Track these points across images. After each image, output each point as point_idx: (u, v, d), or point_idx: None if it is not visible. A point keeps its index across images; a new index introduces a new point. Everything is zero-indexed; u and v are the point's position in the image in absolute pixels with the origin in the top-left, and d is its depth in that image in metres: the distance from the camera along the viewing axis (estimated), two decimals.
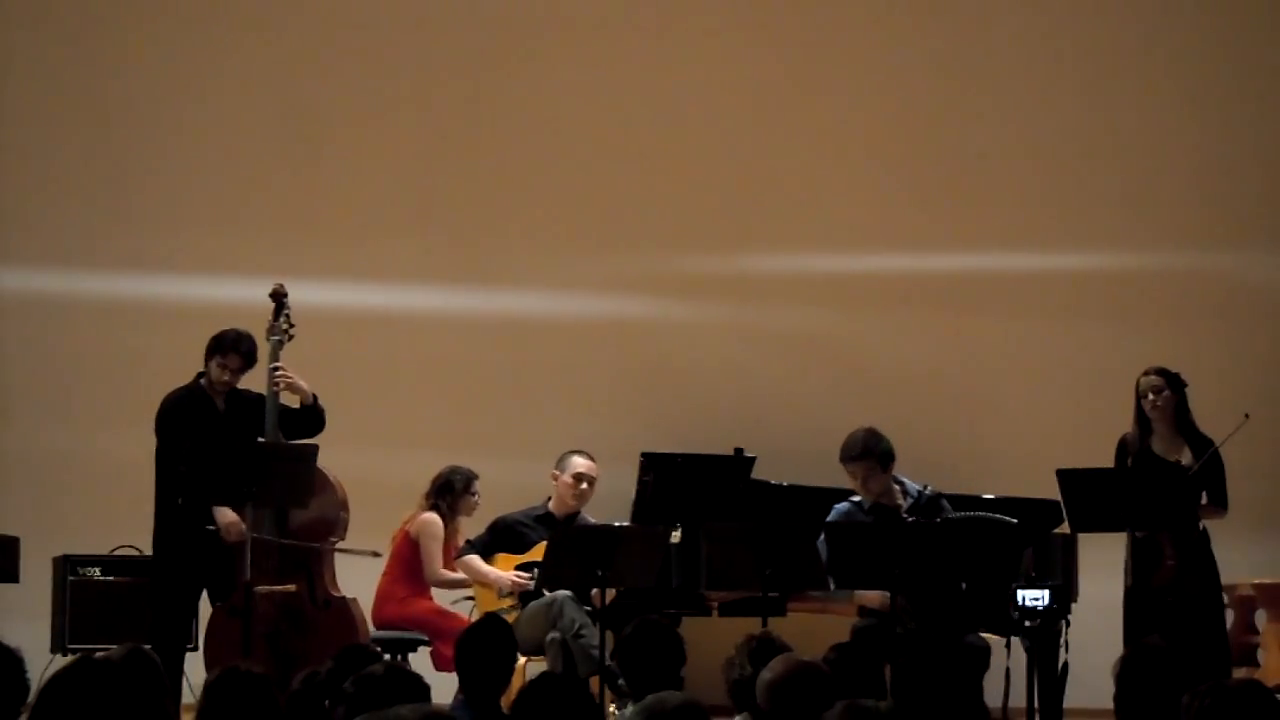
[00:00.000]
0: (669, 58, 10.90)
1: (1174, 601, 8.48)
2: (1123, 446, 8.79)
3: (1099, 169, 10.76)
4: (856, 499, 8.65)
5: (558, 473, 9.20)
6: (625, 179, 10.87)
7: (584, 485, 9.15)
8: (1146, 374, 8.81)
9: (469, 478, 9.42)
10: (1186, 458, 8.69)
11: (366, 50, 10.92)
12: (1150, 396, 8.76)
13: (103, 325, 10.74)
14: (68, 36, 10.94)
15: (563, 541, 8.28)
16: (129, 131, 10.91)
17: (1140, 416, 8.77)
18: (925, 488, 8.66)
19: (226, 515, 8.52)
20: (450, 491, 9.39)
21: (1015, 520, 8.51)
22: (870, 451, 8.50)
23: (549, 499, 9.22)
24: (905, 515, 8.53)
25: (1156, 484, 8.29)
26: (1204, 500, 8.64)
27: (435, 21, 10.93)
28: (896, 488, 8.63)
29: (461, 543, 9.30)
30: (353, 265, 10.81)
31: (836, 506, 8.68)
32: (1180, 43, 10.77)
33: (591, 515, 9.23)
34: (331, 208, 10.88)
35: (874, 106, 10.87)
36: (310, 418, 8.84)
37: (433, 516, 9.33)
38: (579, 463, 9.18)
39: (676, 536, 8.84)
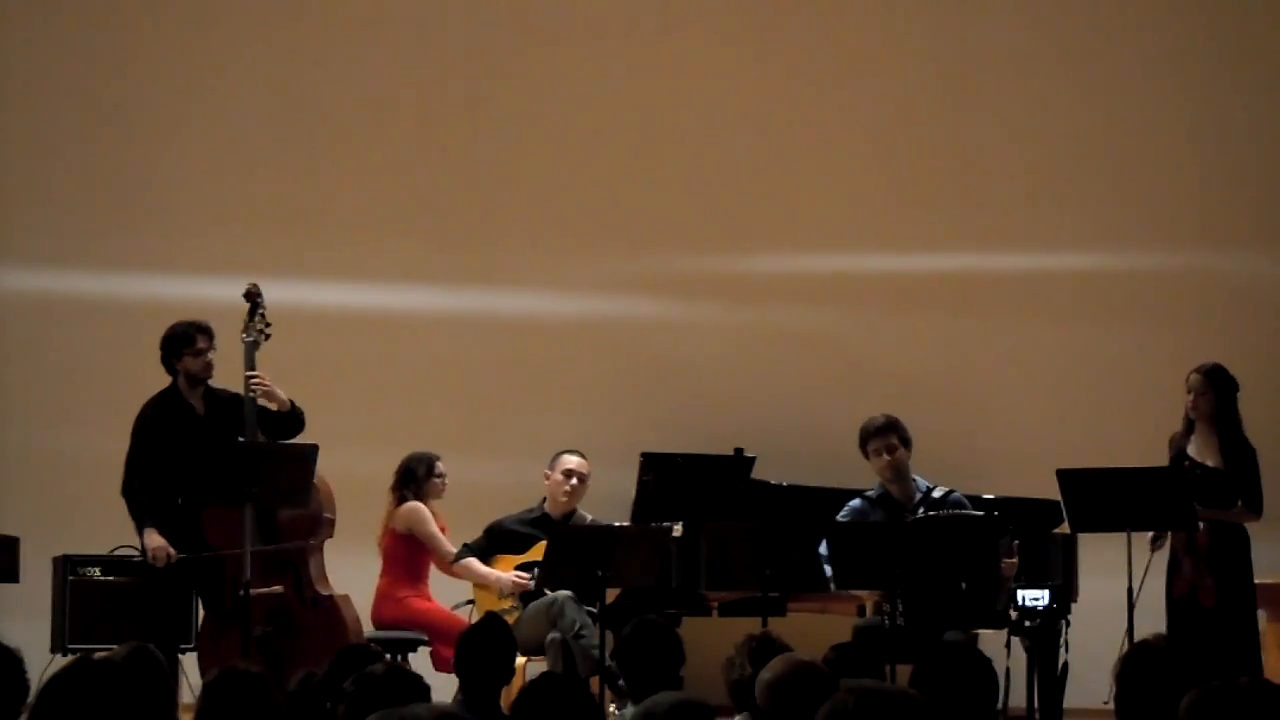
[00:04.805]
0: (668, 58, 10.90)
1: (1200, 608, 8.45)
2: (1170, 444, 8.73)
3: (1099, 169, 10.75)
4: (869, 493, 8.69)
5: (549, 472, 9.23)
6: (625, 179, 10.87)
7: (574, 481, 9.18)
8: (1193, 372, 8.71)
9: (430, 460, 9.33)
10: (1215, 460, 8.63)
11: (367, 51, 10.92)
12: (1190, 396, 8.67)
13: (103, 325, 10.73)
14: (68, 36, 10.94)
15: (563, 541, 8.29)
16: (129, 131, 10.91)
17: (1187, 415, 8.70)
18: (934, 487, 8.68)
19: (154, 539, 8.47)
20: (413, 479, 9.29)
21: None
22: (895, 425, 8.64)
23: (543, 500, 9.26)
24: (918, 509, 8.54)
25: (1155, 484, 8.26)
26: (1239, 504, 8.59)
27: (436, 22, 10.93)
28: (914, 479, 8.67)
29: (445, 523, 9.31)
30: (353, 265, 10.81)
31: (849, 504, 8.70)
32: (1180, 43, 10.76)
33: (591, 515, 9.24)
34: (331, 208, 10.88)
35: (873, 106, 10.86)
36: (289, 421, 8.66)
37: (414, 504, 9.24)
38: (568, 460, 9.22)
39: (678, 530, 8.86)
